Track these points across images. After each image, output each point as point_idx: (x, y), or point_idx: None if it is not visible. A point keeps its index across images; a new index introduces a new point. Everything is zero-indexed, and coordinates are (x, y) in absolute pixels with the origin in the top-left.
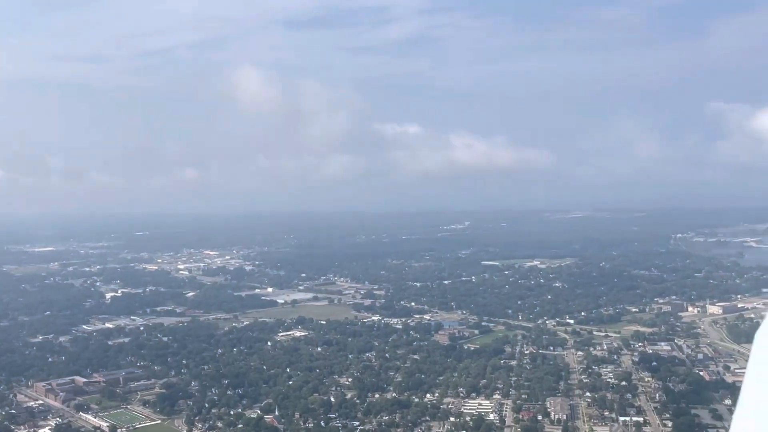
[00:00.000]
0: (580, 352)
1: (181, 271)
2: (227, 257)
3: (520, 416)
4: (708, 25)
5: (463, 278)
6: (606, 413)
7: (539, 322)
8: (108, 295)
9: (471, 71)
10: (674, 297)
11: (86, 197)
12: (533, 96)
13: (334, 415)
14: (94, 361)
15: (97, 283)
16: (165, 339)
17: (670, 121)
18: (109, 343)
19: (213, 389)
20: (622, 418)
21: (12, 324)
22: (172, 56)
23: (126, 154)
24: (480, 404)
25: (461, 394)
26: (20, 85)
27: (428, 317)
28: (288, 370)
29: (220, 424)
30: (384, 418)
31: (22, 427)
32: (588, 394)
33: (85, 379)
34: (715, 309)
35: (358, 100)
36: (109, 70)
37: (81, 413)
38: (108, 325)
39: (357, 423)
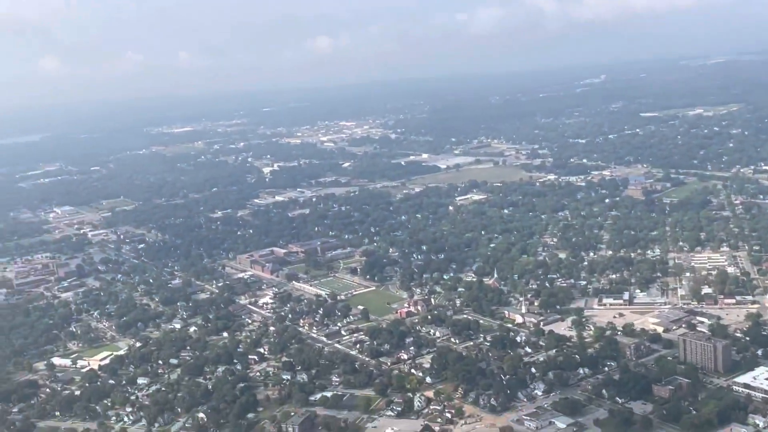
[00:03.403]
0: None
1: (325, 143)
2: (365, 127)
3: (763, 267)
4: None
5: (628, 132)
6: None
7: (734, 171)
8: (266, 170)
9: None
10: None
11: (212, 77)
12: None
13: (555, 276)
14: (285, 233)
15: (249, 159)
16: (342, 209)
17: None
18: (290, 215)
19: (415, 255)
20: None
21: (187, 201)
22: None
23: (252, 29)
24: (709, 258)
25: (684, 249)
26: None
27: (608, 173)
28: (483, 233)
29: (438, 289)
30: (610, 276)
31: (242, 296)
32: None
33: (284, 251)
34: None
35: None
36: None
37: (294, 282)
38: (278, 198)
39: (583, 282)
